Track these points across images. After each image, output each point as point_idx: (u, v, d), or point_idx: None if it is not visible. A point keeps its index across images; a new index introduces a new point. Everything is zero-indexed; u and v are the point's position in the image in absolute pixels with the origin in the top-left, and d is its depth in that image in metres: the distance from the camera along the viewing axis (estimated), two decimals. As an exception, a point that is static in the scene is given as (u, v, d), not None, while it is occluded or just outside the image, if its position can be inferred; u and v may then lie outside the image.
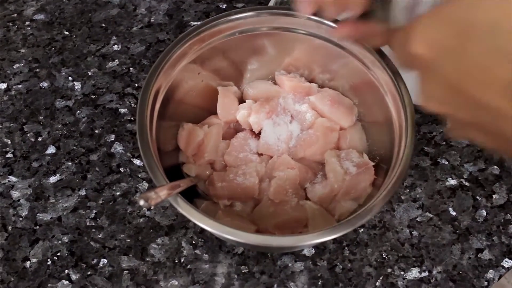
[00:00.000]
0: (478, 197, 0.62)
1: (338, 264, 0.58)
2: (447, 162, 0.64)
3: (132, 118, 0.66)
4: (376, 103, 0.56)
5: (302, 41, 0.59)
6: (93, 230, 0.60)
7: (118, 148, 0.64)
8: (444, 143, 0.65)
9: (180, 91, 0.57)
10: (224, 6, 0.75)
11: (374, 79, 0.56)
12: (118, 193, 0.62)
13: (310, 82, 0.63)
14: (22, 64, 0.70)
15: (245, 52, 0.61)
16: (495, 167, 0.64)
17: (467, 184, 0.63)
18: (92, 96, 0.68)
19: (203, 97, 0.61)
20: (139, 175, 0.62)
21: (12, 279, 0.57)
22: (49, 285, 0.57)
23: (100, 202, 0.61)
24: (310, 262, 0.58)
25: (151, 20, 0.74)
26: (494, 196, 0.62)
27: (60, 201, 0.61)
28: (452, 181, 0.63)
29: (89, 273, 0.57)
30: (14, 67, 0.70)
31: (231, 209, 0.57)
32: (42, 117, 0.66)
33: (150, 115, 0.52)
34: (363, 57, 0.56)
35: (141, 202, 0.43)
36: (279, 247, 0.55)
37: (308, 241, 0.46)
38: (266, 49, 0.61)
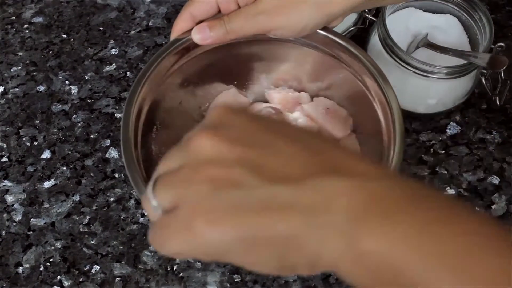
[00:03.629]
0: (477, 208, 0.61)
1: (332, 274, 0.57)
2: (446, 172, 0.63)
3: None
4: (366, 113, 0.56)
5: (290, 50, 0.59)
6: (86, 236, 0.59)
7: (113, 153, 0.64)
8: (443, 151, 0.64)
9: (166, 100, 0.57)
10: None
11: (364, 88, 0.55)
12: (112, 199, 0.61)
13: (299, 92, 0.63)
14: (19, 67, 0.70)
15: (233, 64, 0.60)
16: (495, 177, 0.63)
17: (466, 194, 0.62)
18: (89, 101, 0.68)
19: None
20: (134, 181, 0.62)
21: (4, 285, 0.57)
22: (41, 291, 0.56)
23: (94, 208, 0.61)
24: (304, 272, 0.57)
25: (150, 24, 0.74)
26: (493, 207, 0.61)
27: (54, 206, 0.61)
28: (450, 191, 0.62)
29: (81, 279, 0.57)
30: (12, 70, 0.70)
31: None
32: (38, 121, 0.66)
33: (135, 128, 0.52)
34: (352, 65, 0.56)
35: None
36: None
37: None
38: (254, 59, 0.60)
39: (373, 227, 0.29)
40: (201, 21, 0.53)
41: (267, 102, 0.64)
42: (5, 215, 0.61)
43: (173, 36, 0.55)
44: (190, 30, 0.53)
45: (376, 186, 0.30)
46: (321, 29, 0.55)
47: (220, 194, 0.31)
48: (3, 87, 0.69)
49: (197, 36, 0.53)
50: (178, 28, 0.54)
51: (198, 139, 0.33)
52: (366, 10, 0.66)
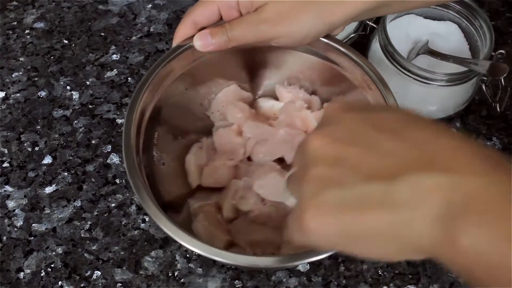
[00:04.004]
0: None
1: (333, 280, 0.57)
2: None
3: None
4: None
5: (290, 56, 0.59)
6: (88, 241, 0.59)
7: (114, 159, 0.64)
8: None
9: (168, 106, 0.57)
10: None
11: (365, 95, 0.56)
12: (113, 205, 0.61)
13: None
14: (21, 73, 0.70)
15: (236, 69, 0.61)
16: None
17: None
18: (90, 106, 0.68)
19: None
20: (135, 187, 0.62)
21: (5, 290, 0.57)
22: (42, 297, 0.56)
23: (95, 213, 0.61)
24: (305, 278, 0.57)
25: (151, 30, 0.74)
26: None
27: (55, 212, 0.61)
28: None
29: (82, 285, 0.57)
30: (13, 75, 0.70)
31: (213, 213, 0.57)
32: (39, 127, 0.66)
33: (136, 133, 0.52)
34: (353, 72, 0.56)
35: None
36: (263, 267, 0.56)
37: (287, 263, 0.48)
38: (256, 66, 0.61)
39: (470, 228, 0.30)
40: (203, 28, 0.53)
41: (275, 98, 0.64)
42: (6, 220, 0.61)
43: (175, 42, 0.55)
44: (192, 36, 0.53)
45: (474, 184, 0.30)
46: (323, 37, 0.55)
47: (324, 192, 0.34)
48: (5, 93, 0.69)
49: (198, 43, 0.53)
50: (180, 34, 0.54)
51: (309, 141, 0.36)
52: (367, 17, 0.66)
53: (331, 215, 0.34)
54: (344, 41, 0.66)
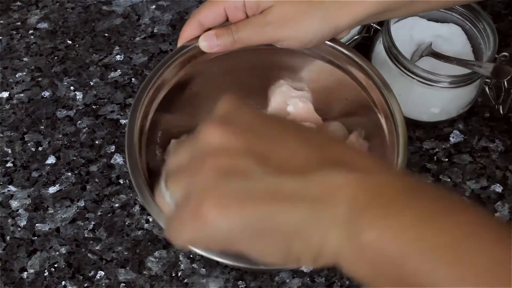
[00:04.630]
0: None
1: (336, 281, 0.57)
2: (449, 179, 0.63)
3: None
4: (370, 123, 0.56)
5: (293, 58, 0.59)
6: (91, 242, 0.59)
7: (118, 159, 0.64)
8: (447, 159, 0.65)
9: (172, 107, 0.58)
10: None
11: (368, 99, 0.56)
12: (117, 205, 0.61)
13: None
14: (24, 73, 0.70)
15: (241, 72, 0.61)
16: (498, 185, 0.63)
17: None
18: (94, 107, 0.68)
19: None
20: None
21: (8, 290, 0.57)
22: (45, 297, 0.57)
23: (99, 213, 0.61)
24: (308, 279, 0.57)
25: (155, 31, 0.74)
26: (496, 215, 0.61)
27: (59, 212, 0.61)
28: (453, 199, 0.62)
29: (86, 285, 0.57)
30: (17, 75, 0.70)
31: None
32: (43, 127, 0.66)
33: (140, 134, 0.52)
34: (357, 75, 0.56)
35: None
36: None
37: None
38: (260, 68, 0.61)
39: (374, 220, 0.30)
40: (208, 29, 0.53)
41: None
42: (9, 220, 0.61)
43: (180, 42, 0.55)
44: (197, 37, 0.53)
45: (377, 180, 0.32)
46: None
47: (227, 183, 0.32)
48: (8, 93, 0.69)
49: (204, 44, 0.53)
50: (186, 35, 0.54)
51: (206, 131, 0.34)
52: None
53: (234, 205, 0.31)
54: (347, 43, 0.66)
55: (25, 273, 0.58)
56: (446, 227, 0.29)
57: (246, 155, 0.32)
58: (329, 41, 0.56)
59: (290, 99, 0.60)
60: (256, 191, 0.31)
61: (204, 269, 0.58)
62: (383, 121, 0.54)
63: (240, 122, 0.34)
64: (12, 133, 0.66)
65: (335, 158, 0.33)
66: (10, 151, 0.65)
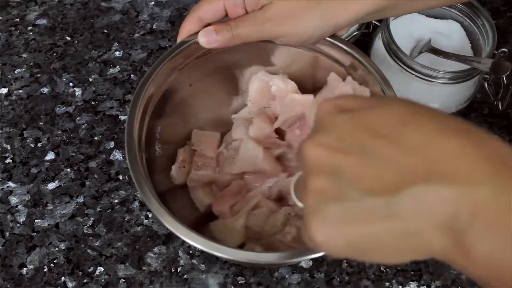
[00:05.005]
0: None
1: (336, 276, 0.57)
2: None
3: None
4: None
5: (290, 52, 0.59)
6: (90, 237, 0.59)
7: (117, 155, 0.64)
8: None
9: (171, 102, 0.58)
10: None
11: (367, 94, 0.56)
12: (116, 201, 0.61)
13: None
14: (23, 69, 0.70)
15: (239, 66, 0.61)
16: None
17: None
18: (93, 103, 0.68)
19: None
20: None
21: (8, 286, 0.57)
22: (45, 292, 0.57)
23: (98, 209, 0.61)
24: (308, 274, 0.57)
25: (153, 27, 0.74)
26: None
27: (58, 208, 0.61)
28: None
29: (85, 281, 0.57)
30: (16, 72, 0.70)
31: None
32: (42, 123, 0.66)
33: (139, 129, 0.52)
34: (356, 70, 0.56)
35: None
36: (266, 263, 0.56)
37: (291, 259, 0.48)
38: (256, 61, 0.60)
39: (481, 236, 0.29)
40: (208, 24, 0.53)
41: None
42: (9, 216, 0.61)
43: (180, 38, 0.55)
44: (197, 33, 0.53)
45: (480, 194, 0.29)
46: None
47: (327, 207, 0.34)
48: (7, 89, 0.69)
49: (203, 39, 0.53)
50: (185, 30, 0.54)
51: (304, 149, 0.35)
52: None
53: (334, 229, 0.33)
54: (347, 39, 0.66)
55: (25, 269, 0.58)
56: None
57: (339, 176, 0.33)
58: (329, 37, 0.56)
59: (272, 80, 0.60)
60: (351, 213, 0.33)
61: (203, 265, 0.58)
62: None
63: (333, 131, 0.35)
64: (11, 129, 0.66)
65: (428, 165, 0.31)
66: (9, 147, 0.65)
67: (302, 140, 0.37)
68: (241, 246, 0.55)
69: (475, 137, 0.32)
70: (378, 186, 0.32)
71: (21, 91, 0.69)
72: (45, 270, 0.58)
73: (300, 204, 0.40)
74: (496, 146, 0.31)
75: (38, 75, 0.70)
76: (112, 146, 0.65)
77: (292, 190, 0.42)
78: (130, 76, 0.70)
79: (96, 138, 0.65)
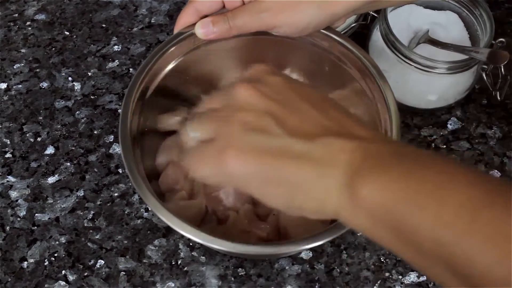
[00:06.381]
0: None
1: (336, 267, 0.58)
2: (447, 166, 0.63)
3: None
4: (364, 112, 0.56)
5: (288, 45, 0.59)
6: (91, 231, 0.60)
7: (117, 149, 0.64)
8: (445, 146, 0.65)
9: (167, 92, 0.58)
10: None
11: (362, 87, 0.56)
12: (116, 194, 0.62)
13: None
14: (22, 64, 0.70)
15: (237, 58, 0.61)
16: (496, 171, 0.63)
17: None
18: (92, 97, 0.68)
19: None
20: (137, 176, 0.62)
21: (9, 279, 0.57)
22: (46, 285, 0.57)
23: (98, 203, 0.61)
24: (308, 266, 0.58)
25: (152, 21, 0.74)
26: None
27: (58, 201, 0.61)
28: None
29: (86, 274, 0.57)
30: (15, 67, 0.70)
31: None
32: (41, 117, 0.66)
33: (133, 120, 0.52)
34: (351, 63, 0.56)
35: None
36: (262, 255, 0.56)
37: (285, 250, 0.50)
38: (255, 53, 0.60)
39: (369, 177, 0.36)
40: (205, 16, 0.54)
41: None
42: (9, 210, 0.61)
43: (177, 29, 0.55)
44: (194, 24, 0.53)
45: (372, 146, 0.37)
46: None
47: (249, 136, 0.39)
48: (6, 84, 0.69)
49: (200, 31, 0.53)
50: (182, 22, 0.54)
51: (239, 88, 0.41)
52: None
53: (252, 155, 0.38)
54: (345, 31, 0.66)
55: (25, 262, 0.58)
56: (428, 177, 0.34)
57: (267, 115, 0.39)
58: (324, 29, 0.56)
59: None
60: (272, 147, 0.38)
61: (203, 257, 0.58)
62: (377, 109, 0.54)
63: (268, 85, 0.41)
64: (11, 124, 0.66)
65: (341, 127, 0.39)
66: (9, 142, 0.65)
67: (231, 80, 0.45)
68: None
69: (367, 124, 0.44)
70: (299, 131, 0.39)
71: (20, 86, 0.69)
72: (45, 264, 0.58)
73: (192, 133, 0.44)
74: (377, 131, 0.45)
75: (37, 70, 0.70)
76: (112, 140, 0.65)
77: (190, 122, 0.45)
78: (129, 70, 0.70)
79: (95, 132, 0.66)
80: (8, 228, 0.60)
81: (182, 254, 0.58)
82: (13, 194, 0.62)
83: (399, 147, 0.40)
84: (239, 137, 0.39)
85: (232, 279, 0.57)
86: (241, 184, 0.40)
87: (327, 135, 0.38)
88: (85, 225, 0.60)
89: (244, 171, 0.38)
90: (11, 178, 0.63)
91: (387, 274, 0.57)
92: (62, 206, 0.61)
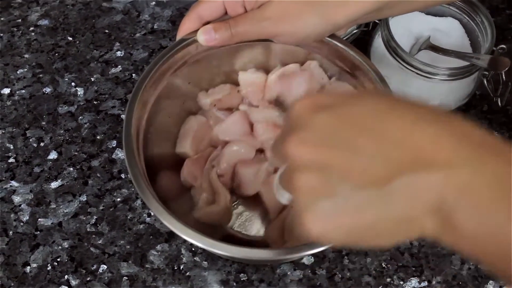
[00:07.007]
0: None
1: (337, 273, 0.58)
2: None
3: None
4: None
5: (290, 51, 0.59)
6: (93, 236, 0.60)
7: (119, 154, 0.65)
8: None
9: (169, 98, 0.58)
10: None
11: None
12: (118, 199, 0.62)
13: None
14: (25, 70, 0.71)
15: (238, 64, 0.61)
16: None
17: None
18: (95, 102, 0.68)
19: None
20: (140, 182, 0.62)
21: (12, 284, 0.57)
22: (48, 290, 0.57)
23: (101, 208, 0.61)
24: (309, 271, 0.58)
25: (155, 27, 0.74)
26: None
27: (61, 206, 0.62)
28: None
29: (88, 279, 0.58)
30: (18, 72, 0.70)
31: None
32: (44, 123, 0.67)
33: (137, 125, 0.53)
34: (353, 69, 0.57)
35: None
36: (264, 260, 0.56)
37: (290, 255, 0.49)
38: (258, 60, 0.61)
39: (467, 221, 0.32)
40: (207, 22, 0.54)
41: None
42: (12, 215, 0.61)
43: (179, 35, 0.56)
44: (196, 31, 0.54)
45: (462, 176, 0.32)
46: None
47: (319, 205, 0.34)
48: (10, 89, 0.69)
49: (202, 38, 0.54)
50: (185, 28, 0.55)
51: (287, 148, 0.35)
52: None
53: (329, 222, 0.34)
54: (347, 37, 0.67)
55: (28, 267, 0.58)
56: None
57: (327, 172, 0.34)
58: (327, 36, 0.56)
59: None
60: (344, 207, 0.34)
61: (206, 262, 0.58)
62: None
63: (314, 131, 0.35)
64: (14, 129, 0.66)
65: (412, 155, 0.33)
66: (12, 147, 0.65)
67: (279, 138, 0.38)
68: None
69: (448, 123, 0.34)
70: (367, 179, 0.33)
71: (23, 91, 0.69)
72: (48, 269, 0.58)
73: (284, 200, 0.41)
74: (468, 130, 0.33)
75: (41, 75, 0.70)
76: (114, 145, 0.65)
77: (275, 186, 0.42)
78: (132, 76, 0.70)
79: (98, 137, 0.66)
80: (11, 232, 0.60)
81: (184, 259, 0.59)
82: (16, 199, 0.62)
83: (496, 170, 0.32)
84: (309, 208, 0.35)
85: (234, 284, 0.57)
86: (338, 244, 0.39)
87: (400, 174, 0.32)
88: (88, 230, 0.60)
89: (330, 236, 0.36)
90: (14, 183, 0.63)
91: (388, 279, 0.58)
92: (65, 211, 0.61)
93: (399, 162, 0.33)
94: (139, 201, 0.62)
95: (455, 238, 0.33)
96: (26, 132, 0.66)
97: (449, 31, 0.67)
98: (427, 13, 0.68)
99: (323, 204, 0.34)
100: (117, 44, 0.73)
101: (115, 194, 0.62)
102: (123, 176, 0.63)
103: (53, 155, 0.65)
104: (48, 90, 0.69)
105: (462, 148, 0.32)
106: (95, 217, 0.61)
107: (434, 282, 0.57)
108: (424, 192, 0.32)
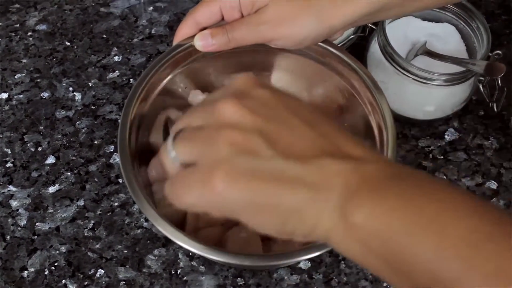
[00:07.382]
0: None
1: (334, 277, 0.58)
2: (445, 177, 0.64)
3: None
4: (360, 124, 0.56)
5: (285, 58, 0.59)
6: (91, 240, 0.60)
7: (117, 159, 0.65)
8: (442, 157, 0.65)
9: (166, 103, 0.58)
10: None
11: (358, 99, 0.56)
12: (116, 204, 0.62)
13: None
14: (23, 74, 0.71)
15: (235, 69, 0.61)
16: (493, 182, 0.64)
17: (464, 198, 0.63)
18: (92, 107, 0.68)
19: None
20: (137, 186, 0.63)
21: (9, 289, 0.57)
22: (46, 295, 0.57)
23: (98, 212, 0.62)
24: (306, 275, 0.58)
25: (152, 32, 0.75)
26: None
27: (58, 211, 0.62)
28: (449, 196, 0.63)
29: (86, 283, 0.58)
30: (16, 77, 0.71)
31: None
32: (42, 127, 0.67)
33: (131, 129, 0.53)
34: (348, 76, 0.57)
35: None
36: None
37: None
38: (252, 66, 0.61)
39: (363, 203, 0.34)
40: (204, 28, 0.54)
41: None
42: (10, 219, 0.61)
43: (176, 41, 0.56)
44: (193, 36, 0.54)
45: (368, 168, 0.36)
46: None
47: (238, 158, 0.36)
48: (8, 94, 0.69)
49: (199, 43, 0.54)
50: (181, 33, 0.55)
51: (224, 104, 0.38)
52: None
53: (241, 180, 0.35)
54: (343, 42, 0.67)
55: (26, 272, 0.58)
56: (425, 205, 0.33)
57: (257, 135, 0.36)
58: (321, 42, 0.56)
59: None
60: (263, 170, 0.35)
61: (203, 267, 0.59)
62: (373, 121, 0.55)
63: (256, 100, 0.38)
64: (12, 134, 0.67)
65: (335, 147, 0.37)
66: (9, 152, 0.65)
67: (214, 95, 0.40)
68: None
69: (369, 148, 0.39)
70: (291, 152, 0.36)
71: (21, 96, 0.69)
72: (46, 273, 0.58)
73: (173, 154, 0.40)
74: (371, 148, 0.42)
75: (38, 80, 0.71)
76: (112, 150, 0.66)
77: (170, 140, 0.41)
78: (129, 81, 0.71)
79: (96, 142, 0.66)
80: (8, 237, 0.60)
81: (181, 264, 0.59)
82: (14, 203, 0.62)
83: (396, 168, 0.37)
84: (227, 160, 0.35)
85: (231, 288, 0.58)
86: (230, 211, 0.37)
87: (322, 156, 0.36)
88: (85, 234, 0.60)
89: (234, 198, 0.35)
90: (12, 188, 0.63)
91: (385, 284, 0.58)
92: (63, 215, 0.61)
93: (322, 149, 0.36)
94: (136, 206, 0.62)
95: (345, 229, 0.34)
96: (24, 136, 0.66)
97: (446, 36, 0.67)
98: (424, 19, 0.68)
99: (240, 160, 0.35)
100: (115, 49, 0.73)
101: (112, 199, 0.62)
102: (120, 181, 0.63)
103: (50, 160, 0.65)
104: (46, 95, 0.69)
105: (374, 154, 0.38)
106: (92, 221, 0.61)
107: None
108: (335, 175, 0.35)
